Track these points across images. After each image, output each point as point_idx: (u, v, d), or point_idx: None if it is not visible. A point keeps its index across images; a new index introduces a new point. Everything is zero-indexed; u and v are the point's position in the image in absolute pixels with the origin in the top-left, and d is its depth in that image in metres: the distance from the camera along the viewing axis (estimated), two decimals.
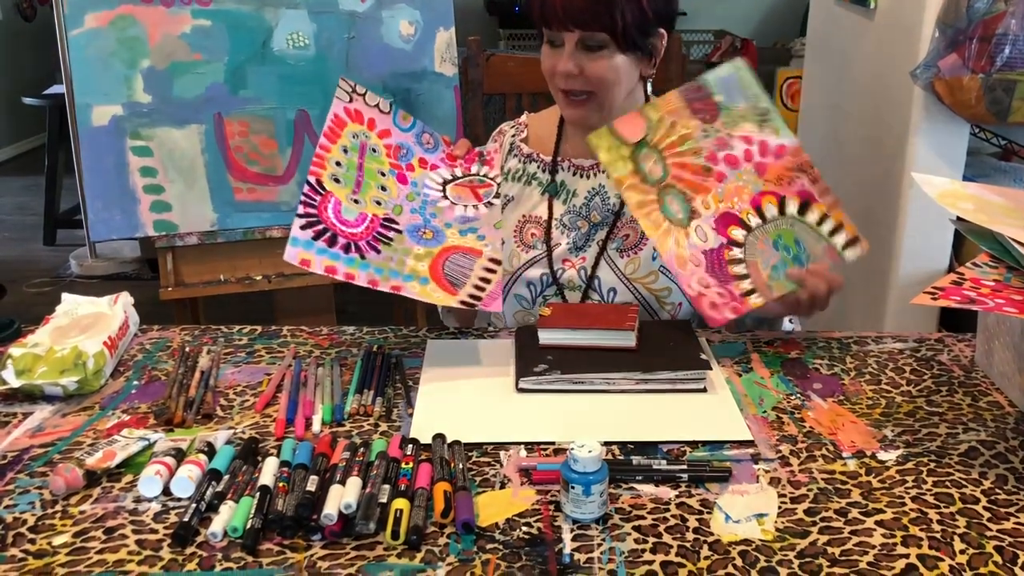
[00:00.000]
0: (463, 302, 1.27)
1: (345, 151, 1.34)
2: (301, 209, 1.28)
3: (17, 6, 6.41)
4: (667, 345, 1.25)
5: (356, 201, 1.32)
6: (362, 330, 1.39)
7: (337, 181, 1.32)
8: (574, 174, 1.50)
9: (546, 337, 1.25)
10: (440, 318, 1.57)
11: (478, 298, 1.28)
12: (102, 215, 1.99)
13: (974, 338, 1.31)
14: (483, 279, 1.30)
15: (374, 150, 1.36)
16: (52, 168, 4.47)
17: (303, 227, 1.27)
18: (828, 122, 2.45)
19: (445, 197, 1.38)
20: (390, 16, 2.07)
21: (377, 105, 1.39)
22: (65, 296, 1.37)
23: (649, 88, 1.49)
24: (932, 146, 1.91)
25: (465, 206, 1.38)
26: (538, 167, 1.52)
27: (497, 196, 1.40)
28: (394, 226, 1.33)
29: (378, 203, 1.33)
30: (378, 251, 1.29)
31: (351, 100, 1.37)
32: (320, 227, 1.27)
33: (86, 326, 1.28)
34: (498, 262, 1.32)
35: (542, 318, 1.28)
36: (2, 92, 6.13)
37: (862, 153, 2.20)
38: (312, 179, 1.30)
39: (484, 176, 1.42)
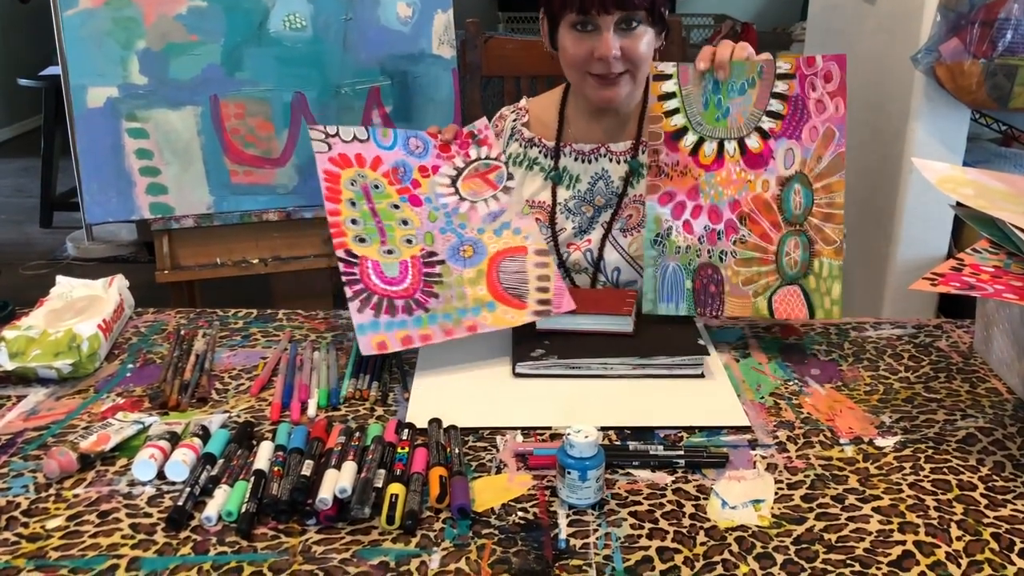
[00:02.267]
0: (536, 312, 1.24)
1: (353, 204, 1.30)
2: (348, 291, 1.22)
3: None
4: (664, 330, 1.25)
5: (390, 252, 1.27)
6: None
7: (363, 241, 1.27)
8: (576, 159, 1.50)
9: (543, 322, 1.25)
10: None
11: (547, 301, 1.24)
12: (98, 197, 1.97)
13: (973, 324, 1.30)
14: (541, 278, 1.27)
15: (376, 186, 1.32)
16: (48, 150, 4.45)
17: (359, 309, 1.21)
18: None
19: (462, 198, 1.35)
20: None
21: (354, 137, 1.35)
22: (59, 279, 1.36)
23: (658, 60, 1.48)
24: (932, 131, 1.90)
25: (485, 201, 1.35)
26: (540, 152, 1.52)
27: (511, 177, 1.38)
28: (435, 258, 1.28)
29: (408, 241, 1.29)
30: (436, 295, 1.25)
31: (330, 148, 1.33)
32: (374, 300, 1.22)
33: (80, 309, 1.27)
34: (546, 252, 1.30)
35: None
36: None
37: (862, 138, 2.19)
38: (340, 252, 1.25)
39: (488, 159, 1.39)
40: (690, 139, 1.26)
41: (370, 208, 1.30)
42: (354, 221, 1.28)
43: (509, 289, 1.26)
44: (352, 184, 1.32)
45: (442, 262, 1.28)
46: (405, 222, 1.31)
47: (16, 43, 6.30)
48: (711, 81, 1.26)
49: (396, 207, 1.32)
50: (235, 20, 1.97)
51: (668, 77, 1.28)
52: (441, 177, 1.37)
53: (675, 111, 1.28)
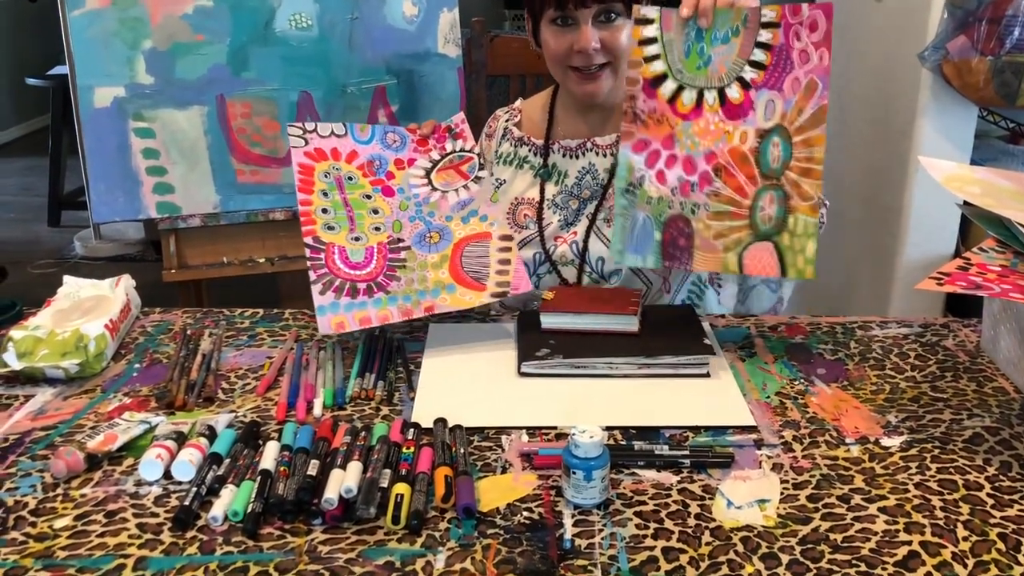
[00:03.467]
0: (494, 294, 1.28)
1: (325, 194, 1.32)
2: (313, 275, 1.27)
3: None
4: (670, 330, 1.25)
5: (357, 239, 1.31)
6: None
7: (331, 228, 1.31)
8: (564, 156, 1.51)
9: (548, 321, 1.25)
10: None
11: (505, 283, 1.28)
12: (105, 197, 1.98)
13: (980, 323, 1.30)
14: (503, 262, 1.30)
15: (350, 178, 1.34)
16: (56, 149, 4.47)
17: (321, 292, 1.26)
18: (835, 104, 2.42)
19: (434, 188, 1.37)
20: None
21: (332, 133, 1.36)
22: (67, 279, 1.36)
23: None
24: (940, 129, 1.89)
25: (456, 190, 1.37)
26: (529, 150, 1.53)
27: (482, 168, 1.39)
28: (401, 244, 1.32)
29: (377, 229, 1.32)
30: (398, 278, 1.29)
31: (307, 143, 1.34)
32: (336, 283, 1.27)
33: (87, 309, 1.28)
34: (509, 238, 1.33)
35: (544, 302, 1.27)
36: (7, 73, 6.12)
37: (869, 136, 2.18)
38: (308, 239, 1.29)
39: (462, 152, 1.40)
40: (669, 86, 1.22)
41: (342, 198, 1.33)
42: (325, 210, 1.32)
43: (470, 272, 1.30)
44: (326, 176, 1.34)
45: (408, 248, 1.32)
46: (376, 211, 1.34)
47: (24, 43, 6.32)
48: (694, 29, 1.21)
49: (368, 197, 1.34)
50: (241, 20, 1.98)
51: (650, 22, 1.24)
52: (416, 169, 1.39)
53: (655, 57, 1.24)
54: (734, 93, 1.20)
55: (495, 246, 1.32)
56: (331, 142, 1.36)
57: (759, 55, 1.19)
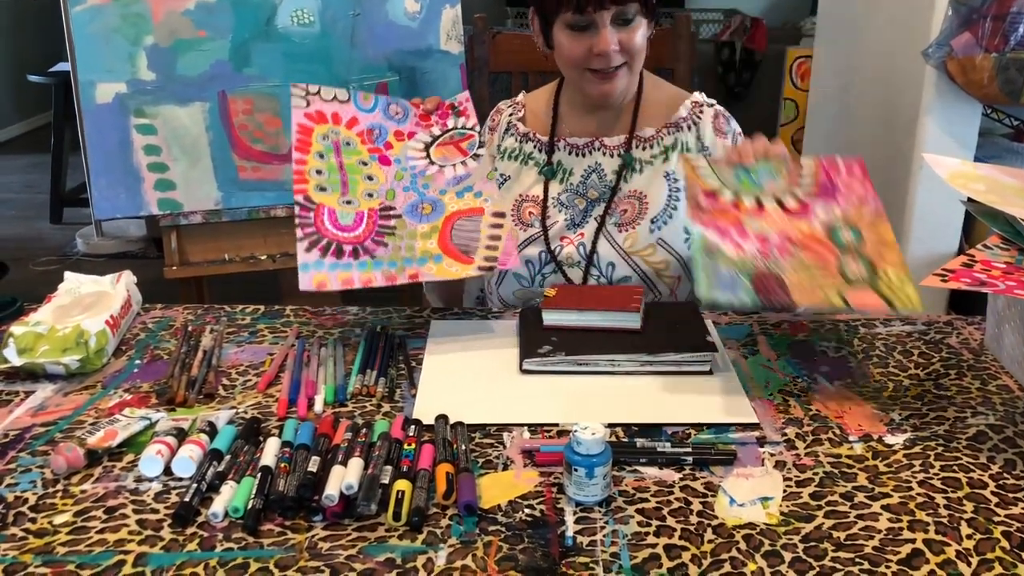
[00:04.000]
0: (481, 268, 1.27)
1: (321, 156, 1.31)
2: (299, 232, 1.26)
3: None
4: (673, 327, 1.24)
5: (348, 202, 1.30)
6: (365, 310, 1.38)
7: (323, 190, 1.30)
8: (570, 153, 1.50)
9: (550, 318, 1.24)
10: (424, 293, 1.58)
11: (493, 259, 1.27)
12: (106, 193, 1.98)
13: (983, 321, 1.30)
14: (493, 237, 1.29)
15: (348, 143, 1.33)
16: (58, 146, 4.46)
17: (307, 249, 1.25)
18: (839, 102, 2.42)
19: (432, 162, 1.35)
20: None
21: (334, 97, 1.35)
22: (67, 275, 1.36)
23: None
24: (944, 126, 1.88)
25: (453, 165, 1.35)
26: (534, 147, 1.52)
27: (482, 146, 1.37)
28: (392, 212, 1.31)
29: (370, 195, 1.31)
30: (385, 244, 1.28)
31: (308, 104, 1.33)
32: (323, 242, 1.26)
33: (88, 305, 1.27)
34: (502, 214, 1.31)
35: (546, 299, 1.27)
36: (8, 70, 6.12)
37: (873, 133, 2.18)
38: (299, 198, 1.28)
39: (463, 128, 1.39)
40: (728, 195, 1.22)
41: (338, 162, 1.32)
42: (319, 171, 1.31)
43: (459, 245, 1.29)
44: (323, 138, 1.33)
45: (399, 216, 1.31)
46: (370, 178, 1.33)
47: (26, 39, 6.32)
48: (740, 168, 1.26)
49: (364, 164, 1.33)
50: (243, 16, 1.97)
51: (701, 161, 1.29)
52: (415, 142, 1.37)
53: (709, 176, 1.26)
54: (791, 203, 1.21)
55: (487, 222, 1.30)
56: (333, 106, 1.34)
57: (807, 182, 1.22)
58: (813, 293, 1.07)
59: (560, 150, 1.51)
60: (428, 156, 1.36)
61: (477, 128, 1.39)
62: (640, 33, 1.38)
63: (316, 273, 1.24)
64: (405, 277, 1.26)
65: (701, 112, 1.48)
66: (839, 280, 1.08)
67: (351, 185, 1.31)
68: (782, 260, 1.10)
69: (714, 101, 1.51)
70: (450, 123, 1.40)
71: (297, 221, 1.27)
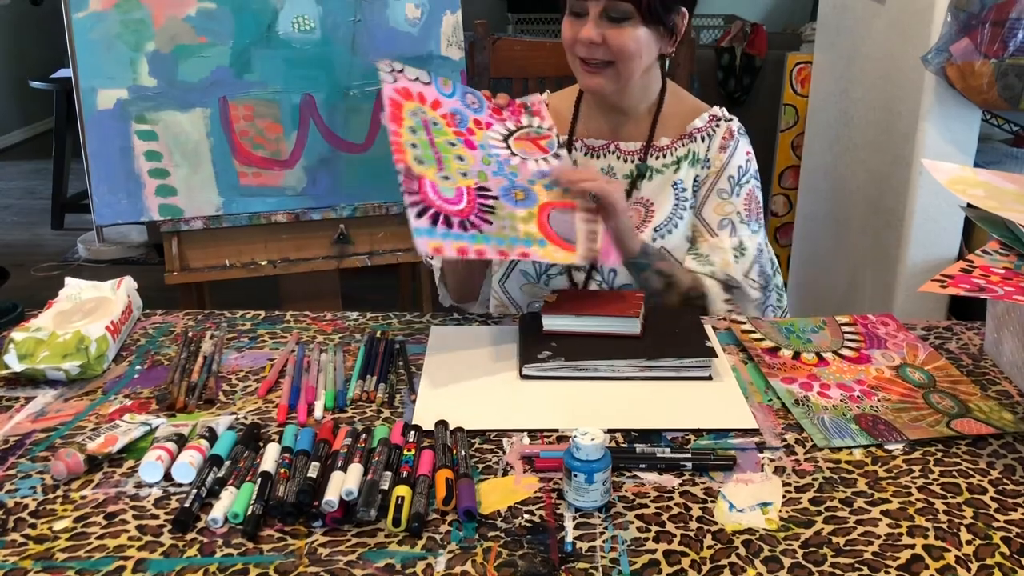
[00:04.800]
0: (585, 256, 1.25)
1: (413, 131, 1.28)
2: (407, 199, 1.20)
3: None
4: (672, 332, 1.24)
5: (446, 178, 1.25)
6: (365, 316, 1.38)
7: (421, 163, 1.25)
8: (586, 153, 1.51)
9: (550, 324, 1.24)
10: (440, 300, 1.58)
11: (596, 250, 1.25)
12: (107, 199, 1.98)
13: (983, 326, 1.30)
14: (591, 232, 1.27)
15: (435, 123, 1.31)
16: (60, 152, 4.48)
17: (418, 215, 1.19)
18: (838, 107, 2.42)
19: (513, 153, 1.33)
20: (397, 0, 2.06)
21: (418, 79, 1.34)
22: (68, 280, 1.36)
23: (667, 66, 1.48)
24: (943, 132, 1.89)
25: (536, 160, 1.33)
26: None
27: (561, 147, 1.36)
28: (489, 193, 1.27)
29: (464, 174, 1.27)
30: (489, 222, 1.23)
31: (395, 80, 1.31)
32: (432, 211, 1.20)
33: (89, 311, 1.28)
34: (595, 211, 1.29)
35: (546, 304, 1.27)
36: (10, 76, 6.13)
37: (872, 139, 2.18)
38: (400, 167, 1.23)
39: (540, 128, 1.37)
40: (786, 352, 1.24)
41: (428, 139, 1.29)
42: (414, 145, 1.27)
43: (560, 233, 1.26)
44: (413, 115, 1.30)
45: (496, 198, 1.27)
46: (461, 158, 1.30)
47: (27, 46, 6.34)
48: (784, 327, 1.32)
49: (452, 145, 1.30)
50: (244, 22, 1.98)
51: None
52: (493, 132, 1.35)
53: (762, 339, 1.29)
54: (847, 352, 1.24)
55: (581, 216, 1.28)
56: (417, 86, 1.33)
57: (850, 336, 1.30)
58: (920, 429, 1.06)
59: (577, 150, 1.52)
60: (509, 147, 1.34)
61: (554, 131, 1.38)
62: (632, 37, 1.36)
63: (431, 240, 1.18)
64: (516, 254, 1.23)
65: (716, 126, 1.48)
66: (937, 415, 1.09)
67: (445, 163, 1.28)
68: (871, 403, 1.12)
69: (733, 117, 1.50)
70: (524, 120, 1.38)
71: (402, 190, 1.21)
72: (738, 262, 1.43)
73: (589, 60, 1.39)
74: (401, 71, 1.33)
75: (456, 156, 1.29)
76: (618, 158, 1.49)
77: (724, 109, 1.52)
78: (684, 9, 1.41)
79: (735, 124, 1.49)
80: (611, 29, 1.36)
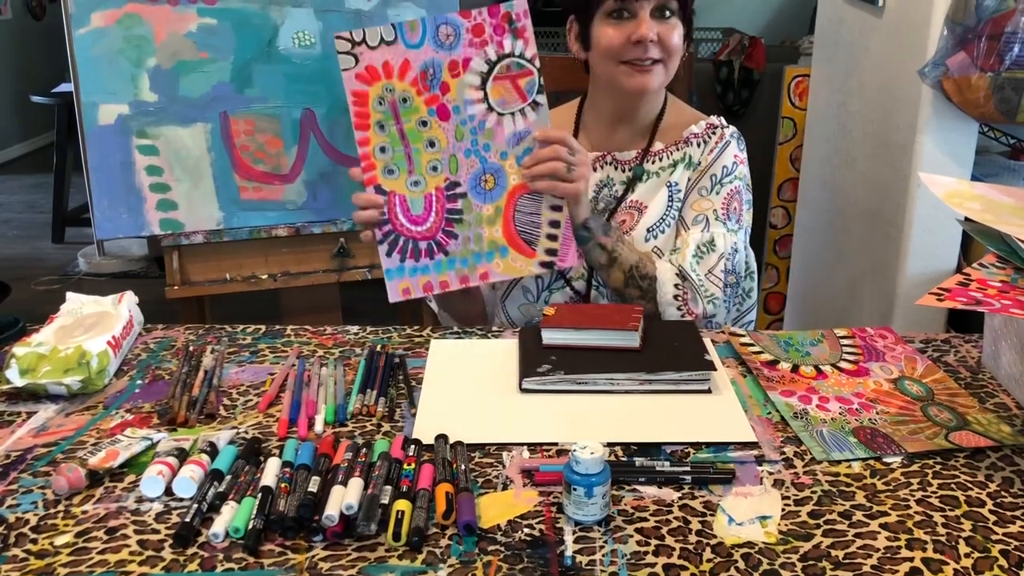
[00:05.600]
0: (542, 263, 1.32)
1: (381, 127, 1.31)
2: (379, 233, 1.33)
3: (27, 4, 6.43)
4: (671, 346, 1.25)
5: (416, 183, 1.33)
6: (366, 329, 1.39)
7: (391, 173, 1.32)
8: None
9: (550, 337, 1.25)
10: (440, 320, 1.58)
11: (554, 253, 1.32)
12: (108, 213, 1.99)
13: (981, 339, 1.30)
14: (553, 223, 1.33)
15: (404, 100, 1.31)
16: (61, 166, 4.49)
17: (388, 253, 1.32)
18: (836, 120, 2.43)
19: (490, 108, 1.32)
20: (396, 15, 2.07)
21: (381, 40, 1.30)
22: (69, 295, 1.37)
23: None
24: (940, 145, 1.89)
25: (512, 115, 1.33)
26: None
27: (541, 90, 1.33)
28: (458, 190, 1.34)
29: (434, 169, 1.33)
30: (455, 236, 1.33)
31: (357, 61, 1.29)
32: (400, 242, 1.32)
33: (90, 325, 1.28)
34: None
35: (545, 318, 1.27)
36: (12, 90, 6.15)
37: (870, 151, 2.19)
38: (370, 189, 1.32)
39: (522, 58, 1.33)
40: (785, 365, 1.25)
41: (398, 129, 1.32)
42: (383, 149, 1.32)
43: (522, 232, 1.33)
44: (380, 103, 1.31)
45: (464, 195, 1.34)
46: (432, 143, 1.33)
47: (29, 60, 6.36)
48: (782, 341, 1.32)
49: (424, 124, 1.33)
50: (245, 37, 1.99)
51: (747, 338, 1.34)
52: (471, 75, 1.32)
53: (760, 352, 1.29)
54: (846, 365, 1.25)
55: (547, 202, 1.33)
56: (381, 54, 1.30)
57: (848, 349, 1.30)
58: (919, 442, 1.06)
59: None
60: (486, 98, 1.33)
61: (536, 63, 1.34)
62: (677, 33, 1.41)
63: (400, 281, 1.33)
64: (476, 278, 1.34)
65: (713, 132, 1.50)
66: (935, 427, 1.09)
67: (415, 158, 1.33)
68: (870, 416, 1.12)
69: (730, 126, 1.52)
70: (507, 45, 1.33)
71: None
72: (702, 257, 1.43)
73: (643, 59, 1.41)
74: (362, 41, 1.30)
75: (427, 143, 1.33)
76: (616, 168, 1.50)
77: (723, 119, 1.53)
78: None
79: (729, 129, 1.51)
80: (661, 26, 1.40)
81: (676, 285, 1.42)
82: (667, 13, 1.40)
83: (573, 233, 1.36)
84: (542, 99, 1.33)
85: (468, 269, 1.33)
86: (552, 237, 1.32)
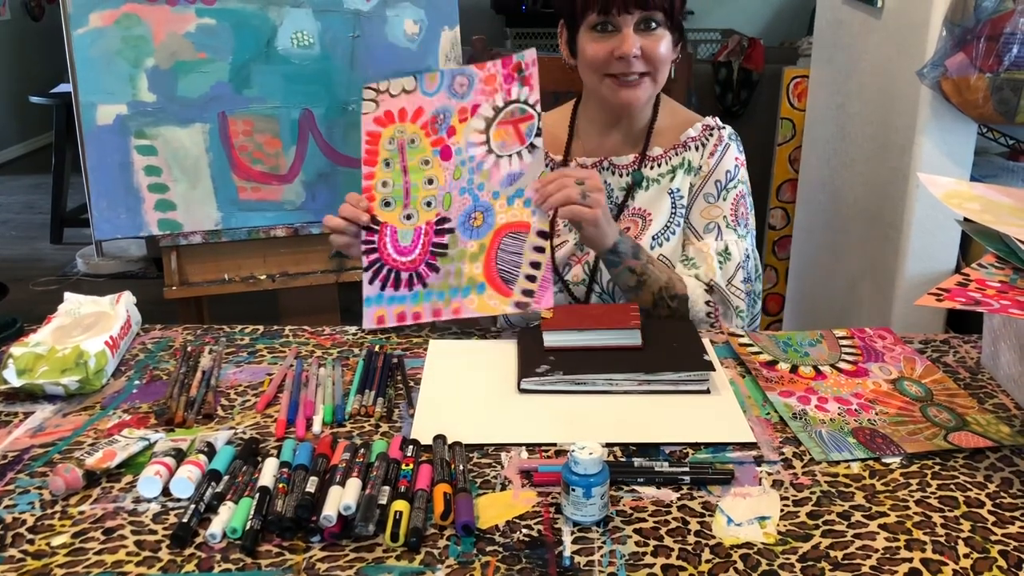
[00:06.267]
0: (518, 304, 1.31)
1: (387, 164, 1.38)
2: (365, 261, 1.36)
3: (25, 5, 6.43)
4: (670, 346, 1.25)
5: (409, 216, 1.37)
6: (364, 330, 1.39)
7: (388, 205, 1.37)
8: None
9: (552, 340, 1.24)
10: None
11: (531, 294, 1.31)
12: (106, 214, 1.98)
13: (980, 339, 1.30)
14: (534, 264, 1.32)
15: (412, 141, 1.38)
16: (59, 167, 4.48)
17: (370, 281, 1.35)
18: (835, 121, 2.43)
19: (490, 150, 1.35)
20: (395, 15, 2.07)
21: (402, 90, 1.39)
22: (67, 295, 1.37)
23: (672, 74, 1.49)
24: (939, 146, 1.89)
25: (510, 156, 1.34)
26: (548, 166, 1.53)
27: (539, 133, 1.34)
28: (447, 225, 1.36)
29: (428, 204, 1.37)
30: (436, 269, 1.35)
31: (377, 107, 1.37)
32: (384, 271, 1.35)
33: (88, 325, 1.28)
34: (546, 235, 1.32)
35: (545, 321, 1.27)
36: (11, 91, 6.15)
37: (869, 152, 2.19)
38: (365, 218, 1.36)
39: (525, 104, 1.35)
40: (784, 366, 1.24)
41: (402, 166, 1.37)
42: (384, 183, 1.38)
43: (502, 271, 1.33)
44: (390, 143, 1.38)
45: (452, 231, 1.36)
46: (430, 181, 1.37)
47: (28, 61, 6.36)
48: (781, 342, 1.32)
49: (426, 163, 1.37)
50: (243, 38, 1.99)
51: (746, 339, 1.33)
52: (477, 120, 1.37)
53: (759, 352, 1.29)
54: (845, 366, 1.25)
55: (530, 243, 1.33)
56: (400, 102, 1.38)
57: (847, 350, 1.29)
58: (918, 442, 1.06)
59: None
60: (488, 141, 1.36)
61: (538, 108, 1.36)
62: (664, 44, 1.39)
63: (376, 308, 1.35)
64: (450, 312, 1.34)
65: (710, 134, 1.49)
66: (934, 428, 1.09)
67: (412, 192, 1.37)
68: (869, 416, 1.12)
69: (727, 126, 1.51)
70: (514, 92, 1.36)
71: (363, 247, 1.37)
72: (722, 267, 1.43)
73: (627, 74, 1.40)
74: (385, 90, 1.39)
75: (426, 180, 1.37)
76: (613, 173, 1.50)
77: (717, 119, 1.53)
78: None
79: (727, 131, 1.50)
80: (645, 39, 1.38)
81: (707, 302, 1.43)
82: (652, 25, 1.38)
83: (601, 258, 1.39)
84: (539, 141, 1.35)
85: (443, 303, 1.34)
86: (531, 278, 1.32)
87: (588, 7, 1.38)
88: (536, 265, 1.32)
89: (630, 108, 1.45)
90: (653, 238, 1.46)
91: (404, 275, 1.36)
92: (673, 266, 1.46)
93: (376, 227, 1.37)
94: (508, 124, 1.36)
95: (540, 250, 1.32)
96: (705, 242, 1.45)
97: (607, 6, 1.36)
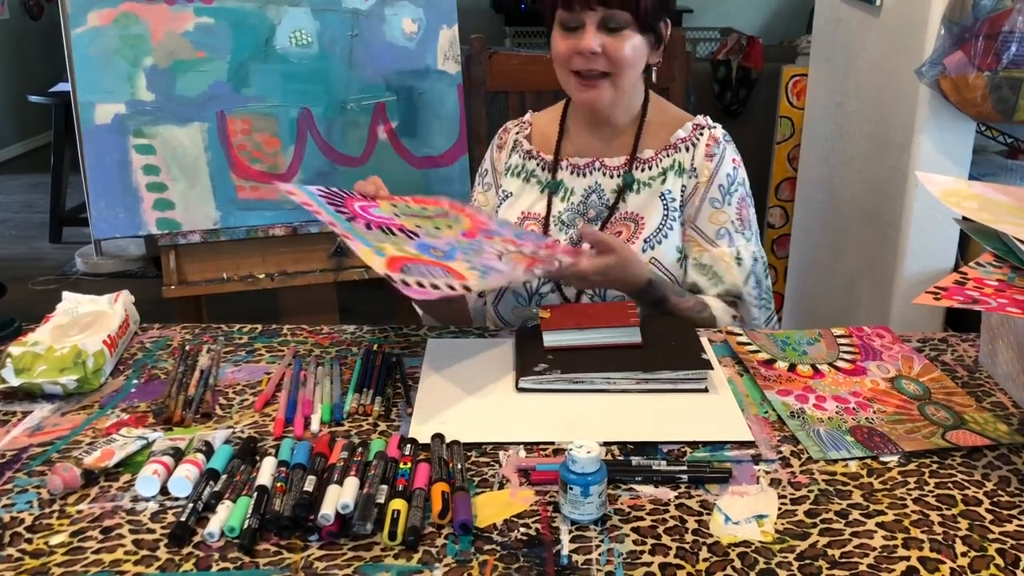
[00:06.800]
0: (388, 276, 1.11)
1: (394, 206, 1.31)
2: (339, 228, 1.20)
3: (24, 4, 6.43)
4: (668, 344, 1.25)
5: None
6: (362, 329, 1.39)
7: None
8: (572, 172, 1.51)
9: (551, 340, 1.24)
10: (421, 319, 1.57)
11: (407, 284, 1.10)
12: (105, 213, 1.99)
13: (978, 338, 1.30)
14: (432, 284, 1.12)
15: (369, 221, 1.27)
16: (58, 166, 4.48)
17: (348, 221, 1.22)
18: (833, 120, 2.43)
19: (498, 256, 1.25)
20: (393, 14, 2.07)
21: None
22: (65, 295, 1.37)
23: (654, 77, 1.49)
24: (938, 144, 1.89)
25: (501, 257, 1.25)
26: (537, 165, 1.53)
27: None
28: (410, 232, 1.24)
29: (391, 233, 1.24)
30: (369, 227, 1.21)
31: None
32: (333, 193, 1.27)
33: (86, 325, 1.28)
34: (468, 289, 1.17)
35: (543, 321, 1.27)
36: (9, 90, 6.15)
37: (867, 151, 2.19)
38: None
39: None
40: (782, 364, 1.24)
41: (364, 223, 1.25)
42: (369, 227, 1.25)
43: (404, 267, 1.13)
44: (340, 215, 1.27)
45: (410, 236, 1.23)
46: (391, 231, 1.24)
47: (26, 59, 6.35)
48: (777, 339, 1.32)
49: (438, 228, 1.29)
50: (242, 37, 1.99)
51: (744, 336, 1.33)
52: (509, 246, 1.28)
53: (757, 351, 1.29)
54: (843, 364, 1.25)
55: (449, 281, 1.14)
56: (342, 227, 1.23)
57: (846, 348, 1.29)
58: (915, 440, 1.06)
59: (563, 169, 1.52)
60: (501, 256, 1.25)
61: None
62: (629, 45, 1.38)
63: (295, 187, 1.28)
64: (339, 231, 1.19)
65: (700, 134, 1.49)
66: (932, 426, 1.09)
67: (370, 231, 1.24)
68: (867, 414, 1.12)
69: (717, 125, 1.51)
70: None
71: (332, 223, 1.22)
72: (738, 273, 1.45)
73: (586, 72, 1.40)
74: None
75: (385, 230, 1.24)
76: (604, 174, 1.50)
77: (708, 118, 1.52)
78: (667, 19, 1.43)
79: (719, 131, 1.50)
80: (609, 39, 1.37)
81: (733, 316, 1.46)
82: (617, 25, 1.37)
83: (635, 298, 1.36)
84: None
85: (343, 229, 1.20)
86: (420, 284, 1.12)
87: (557, 3, 1.39)
88: (435, 285, 1.12)
89: (592, 108, 1.45)
90: (645, 241, 1.45)
91: (343, 205, 1.25)
92: (671, 269, 1.45)
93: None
94: (538, 263, 1.27)
95: (451, 287, 1.13)
96: (720, 249, 1.45)
97: (569, 2, 1.37)
